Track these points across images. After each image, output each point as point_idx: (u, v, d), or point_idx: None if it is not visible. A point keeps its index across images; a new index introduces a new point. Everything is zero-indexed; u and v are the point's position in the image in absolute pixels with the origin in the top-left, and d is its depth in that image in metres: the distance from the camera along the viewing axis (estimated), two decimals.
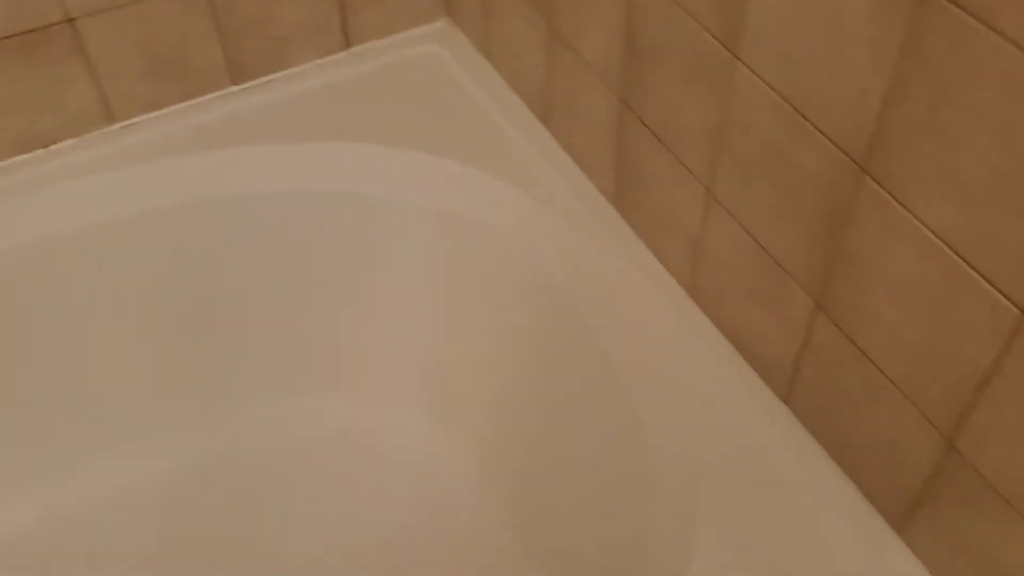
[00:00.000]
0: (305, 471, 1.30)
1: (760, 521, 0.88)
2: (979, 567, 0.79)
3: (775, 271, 0.89)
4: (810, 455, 0.92)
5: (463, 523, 1.26)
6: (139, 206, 1.18)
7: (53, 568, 1.22)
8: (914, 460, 0.81)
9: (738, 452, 0.93)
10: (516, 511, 1.24)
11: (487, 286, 1.22)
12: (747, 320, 0.96)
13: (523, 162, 1.18)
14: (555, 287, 1.13)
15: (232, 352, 1.31)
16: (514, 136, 1.21)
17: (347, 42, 1.27)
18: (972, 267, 0.69)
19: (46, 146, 1.17)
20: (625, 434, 1.03)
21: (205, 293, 1.25)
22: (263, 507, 1.27)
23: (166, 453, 1.30)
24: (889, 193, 0.72)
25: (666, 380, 1.01)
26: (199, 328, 1.28)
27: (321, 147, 1.20)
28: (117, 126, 1.20)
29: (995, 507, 0.75)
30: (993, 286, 0.68)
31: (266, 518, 1.26)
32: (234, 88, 1.24)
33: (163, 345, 1.27)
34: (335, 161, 1.21)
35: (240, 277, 1.26)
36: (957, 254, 0.69)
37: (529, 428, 1.23)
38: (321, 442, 1.32)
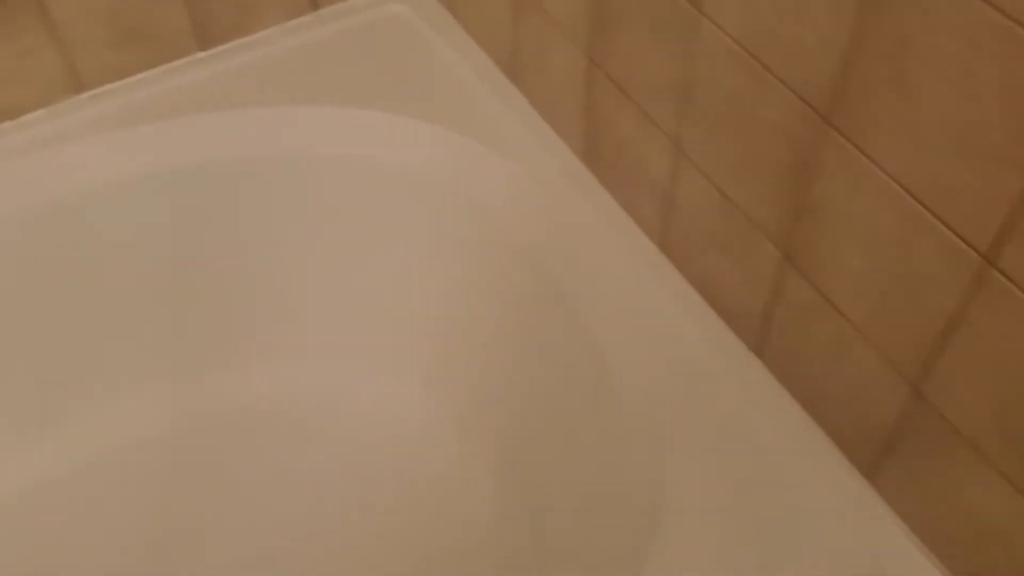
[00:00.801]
0: (292, 435, 1.31)
1: (732, 471, 0.89)
2: (947, 511, 0.81)
3: (743, 223, 0.89)
4: (781, 405, 0.93)
5: (448, 487, 1.27)
6: (114, 173, 1.17)
7: (36, 538, 1.22)
8: (882, 408, 0.82)
9: (709, 403, 0.93)
10: (501, 474, 1.25)
11: (465, 249, 1.22)
12: (717, 273, 0.97)
13: (494, 121, 1.17)
14: (530, 247, 1.13)
15: (221, 317, 1.31)
16: (485, 96, 1.20)
17: (313, 4, 1.25)
18: (934, 214, 0.69)
19: (14, 118, 1.16)
20: (600, 390, 1.04)
21: (189, 258, 1.25)
22: (251, 472, 1.28)
23: (156, 415, 1.30)
24: (852, 143, 0.73)
25: (638, 335, 1.01)
26: (188, 295, 1.27)
27: (292, 111, 1.19)
28: (86, 95, 1.18)
29: (961, 452, 0.76)
30: (954, 232, 0.68)
31: (253, 482, 1.27)
32: (201, 54, 1.22)
33: (151, 312, 1.27)
34: (306, 125, 1.20)
35: (221, 242, 1.25)
36: (919, 202, 0.70)
37: (511, 391, 1.23)
38: (308, 406, 1.33)
